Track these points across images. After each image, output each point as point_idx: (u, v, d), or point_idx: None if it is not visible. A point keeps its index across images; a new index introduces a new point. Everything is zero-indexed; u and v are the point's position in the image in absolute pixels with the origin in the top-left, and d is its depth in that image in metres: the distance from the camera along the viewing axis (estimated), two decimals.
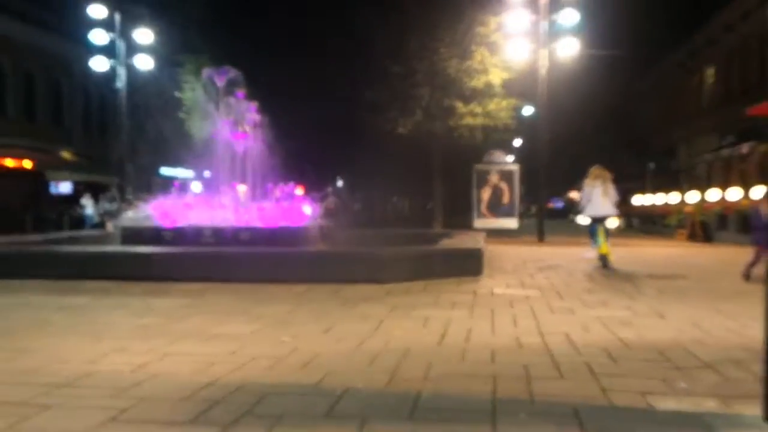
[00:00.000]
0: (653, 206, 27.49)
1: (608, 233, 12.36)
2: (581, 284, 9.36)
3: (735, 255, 14.53)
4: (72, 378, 4.35)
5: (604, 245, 11.84)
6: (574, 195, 15.76)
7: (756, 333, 5.35)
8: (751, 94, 25.87)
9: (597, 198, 12.48)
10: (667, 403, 3.77)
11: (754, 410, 3.51)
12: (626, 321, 6.42)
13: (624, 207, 35.72)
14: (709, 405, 3.73)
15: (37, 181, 31.24)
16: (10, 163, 29.47)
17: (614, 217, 13.65)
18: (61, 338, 5.68)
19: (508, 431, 3.32)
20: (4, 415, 3.58)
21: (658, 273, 10.79)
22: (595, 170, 12.89)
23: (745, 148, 24.85)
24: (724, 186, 22.89)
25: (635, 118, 47.07)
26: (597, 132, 56.56)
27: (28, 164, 30.27)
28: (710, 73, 34.66)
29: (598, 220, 12.45)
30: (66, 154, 32.93)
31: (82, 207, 27.90)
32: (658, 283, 9.35)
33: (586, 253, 13.49)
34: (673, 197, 25.18)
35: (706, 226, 20.28)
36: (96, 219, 26.44)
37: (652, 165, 41.30)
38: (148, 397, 3.92)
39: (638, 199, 31.56)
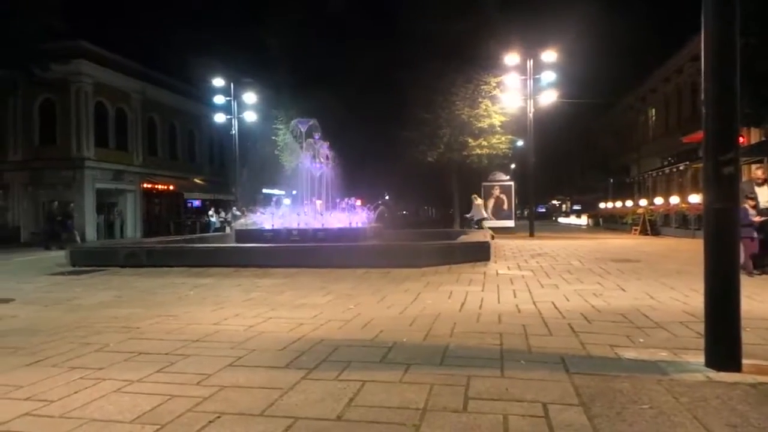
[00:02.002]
0: (614, 209, 26.78)
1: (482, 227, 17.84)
2: (563, 266, 9.12)
3: (676, 244, 14.03)
4: (203, 335, 4.41)
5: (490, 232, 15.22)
6: (479, 202, 20.65)
7: (696, 302, 5.15)
8: (685, 126, 25.31)
9: (480, 210, 19.22)
10: (630, 353, 3.63)
11: (698, 359, 3.36)
12: (597, 293, 6.22)
13: (593, 210, 35.10)
14: (662, 355, 3.58)
15: (177, 198, 32.10)
16: (160, 187, 30.36)
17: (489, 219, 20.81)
18: (195, 307, 5.78)
19: (513, 373, 3.24)
20: (157, 361, 3.65)
21: (619, 258, 10.46)
22: (476, 197, 20.35)
23: (681, 166, 24.16)
24: (666, 194, 22.40)
25: (598, 145, 46.14)
26: (570, 156, 55.50)
27: (172, 187, 31.14)
28: (653, 112, 34.06)
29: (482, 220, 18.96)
30: (197, 180, 33.73)
31: (208, 216, 28.53)
32: (619, 265, 9.05)
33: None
34: (628, 203, 24.59)
35: (654, 223, 19.62)
36: (217, 224, 26.97)
37: (611, 180, 40.32)
38: (256, 348, 3.94)
39: (603, 205, 30.95)
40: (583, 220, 34.74)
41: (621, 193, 32.84)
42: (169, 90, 31.82)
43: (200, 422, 2.58)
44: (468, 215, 20.90)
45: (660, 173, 28.26)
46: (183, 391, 3.02)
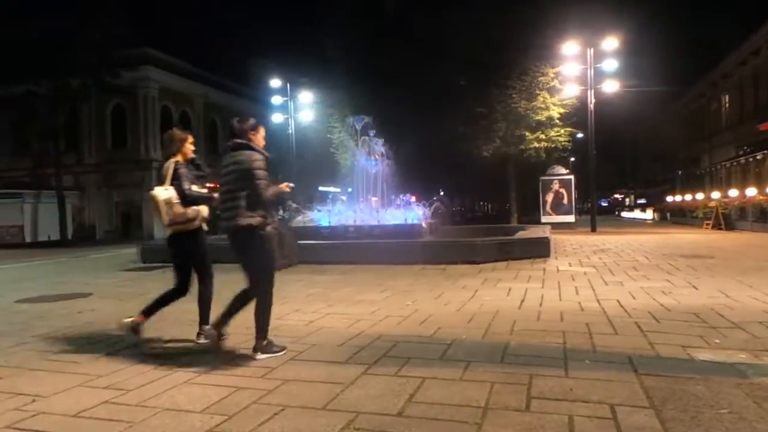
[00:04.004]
0: (683, 202, 25.42)
1: None
2: (627, 263, 8.75)
3: (753, 239, 13.14)
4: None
5: None
6: None
7: None
8: (763, 113, 23.65)
9: None
10: (704, 355, 3.44)
11: None
12: (666, 290, 5.93)
13: (659, 204, 33.45)
14: (741, 357, 3.37)
15: None
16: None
17: None
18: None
19: (577, 373, 3.14)
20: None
21: (689, 253, 9.92)
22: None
23: (759, 155, 22.60)
24: (741, 186, 21.02)
25: (664, 136, 43.84)
26: (634, 147, 53.13)
27: None
28: (726, 98, 32.05)
29: None
30: None
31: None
32: (689, 262, 8.59)
33: None
34: (699, 195, 23.26)
35: (727, 217, 18.46)
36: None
37: (679, 171, 38.30)
38: (316, 343, 4.02)
39: (670, 198, 29.44)
40: (649, 214, 33.16)
41: (690, 186, 31.20)
42: (229, 92, 32.97)
43: (265, 414, 2.66)
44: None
45: (734, 163, 26.64)
46: (248, 384, 3.12)
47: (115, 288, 7.71)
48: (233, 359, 3.67)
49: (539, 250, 9.76)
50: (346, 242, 10.77)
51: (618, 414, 2.53)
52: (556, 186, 22.53)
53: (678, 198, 27.28)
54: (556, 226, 19.10)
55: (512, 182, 26.24)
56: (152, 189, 3.92)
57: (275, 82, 24.90)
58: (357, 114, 14.98)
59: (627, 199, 58.25)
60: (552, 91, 22.44)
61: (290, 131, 25.24)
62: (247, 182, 3.55)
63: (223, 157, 3.74)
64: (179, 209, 3.90)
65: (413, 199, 16.24)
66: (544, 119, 22.75)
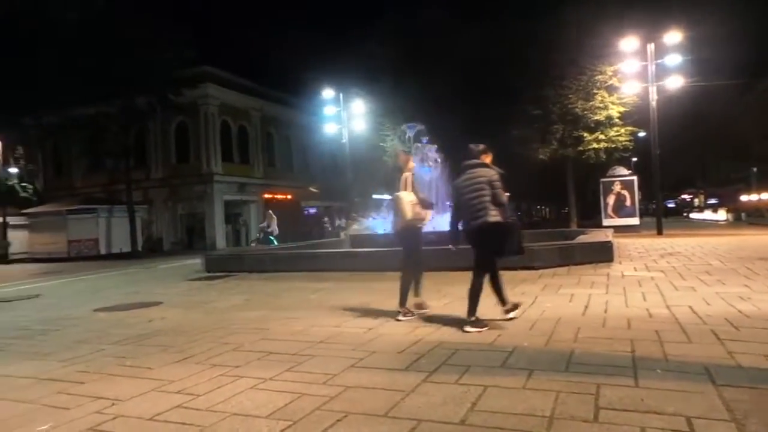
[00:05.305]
0: (759, 201, 23.85)
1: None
2: (699, 267, 8.28)
3: None
4: (326, 337, 4.61)
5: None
6: None
7: None
8: None
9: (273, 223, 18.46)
10: None
11: None
12: (744, 296, 5.56)
13: (732, 204, 31.52)
14: None
15: (295, 207, 33.94)
16: (279, 196, 32.38)
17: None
18: (316, 310, 6.07)
19: (649, 383, 3.00)
20: (286, 361, 3.88)
21: None
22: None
23: None
24: None
25: (736, 132, 41.24)
26: (703, 145, 50.32)
27: (289, 196, 33.05)
28: None
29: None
30: (312, 188, 35.42)
31: (323, 223, 29.82)
32: None
33: None
34: None
35: None
36: (331, 230, 28.08)
37: (754, 169, 35.92)
38: (376, 351, 4.05)
39: (745, 197, 27.68)
40: (721, 214, 31.30)
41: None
42: (284, 105, 33.88)
43: (328, 420, 2.70)
44: (261, 225, 19.73)
45: None
46: (311, 390, 3.18)
47: (182, 297, 8.06)
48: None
49: (602, 254, 9.42)
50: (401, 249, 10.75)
51: (695, 427, 2.40)
52: (617, 188, 21.66)
53: (754, 197, 25.63)
54: (619, 230, 18.34)
55: (571, 185, 25.51)
56: (399, 193, 5.21)
57: (328, 93, 25.33)
58: (409, 121, 15.01)
59: (696, 200, 55.27)
60: (610, 89, 21.71)
61: (344, 141, 25.58)
62: (490, 190, 4.63)
63: (462, 174, 4.87)
64: (418, 209, 5.21)
65: None
66: (603, 119, 22.05)
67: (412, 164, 5.50)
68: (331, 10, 72.53)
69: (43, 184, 30.87)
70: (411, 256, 5.36)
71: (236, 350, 4.31)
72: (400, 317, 5.10)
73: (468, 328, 4.56)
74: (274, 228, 19.01)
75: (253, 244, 15.72)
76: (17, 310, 7.63)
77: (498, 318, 4.89)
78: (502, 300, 4.94)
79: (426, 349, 4.00)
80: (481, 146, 4.93)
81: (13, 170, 29.69)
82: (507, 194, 4.93)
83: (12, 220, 26.43)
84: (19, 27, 22.57)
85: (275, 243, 17.89)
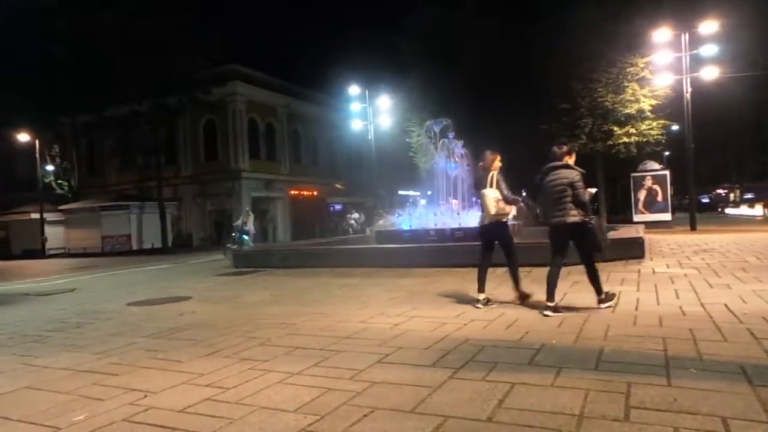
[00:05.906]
0: None
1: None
2: (735, 264, 8.03)
3: None
4: (352, 332, 4.63)
5: None
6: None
7: None
8: None
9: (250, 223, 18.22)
10: None
11: None
12: None
13: None
14: None
15: (321, 203, 34.18)
16: (305, 193, 32.64)
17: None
18: (342, 306, 6.10)
19: (682, 382, 2.92)
20: (313, 356, 3.91)
21: None
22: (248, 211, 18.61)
23: None
24: None
25: None
26: (739, 138, 48.65)
27: (315, 193, 33.29)
28: None
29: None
30: (338, 185, 35.60)
31: (348, 219, 29.95)
32: None
33: None
34: None
35: None
36: (357, 227, 28.17)
37: None
38: (402, 346, 4.05)
39: None
40: (758, 209, 30.26)
41: None
42: (310, 101, 34.10)
43: (355, 415, 2.71)
44: (236, 223, 19.12)
45: None
46: (338, 385, 3.20)
47: (211, 291, 8.21)
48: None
49: (632, 250, 9.21)
50: (428, 245, 10.77)
51: (731, 428, 2.33)
52: (648, 182, 21.15)
53: None
54: (650, 225, 17.95)
55: (600, 180, 25.01)
56: (484, 190, 5.58)
57: (354, 90, 25.38)
58: (435, 117, 14.93)
59: (732, 194, 53.55)
60: (642, 82, 21.13)
61: (370, 137, 25.60)
62: (572, 191, 4.95)
63: (546, 174, 5.18)
64: (503, 205, 5.52)
65: None
66: (633, 112, 21.48)
67: (498, 163, 5.76)
68: (358, 7, 72.58)
69: (77, 181, 31.80)
70: (504, 250, 5.74)
71: (264, 345, 4.36)
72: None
73: (546, 312, 4.91)
74: (251, 227, 18.94)
75: (230, 245, 15.59)
76: (55, 303, 7.89)
77: (593, 306, 5.14)
78: (598, 290, 5.17)
79: (452, 345, 3.98)
80: (564, 148, 5.22)
81: (50, 168, 30.64)
82: (593, 189, 5.30)
83: (49, 216, 27.31)
84: (57, 29, 23.25)
85: (251, 244, 17.70)
